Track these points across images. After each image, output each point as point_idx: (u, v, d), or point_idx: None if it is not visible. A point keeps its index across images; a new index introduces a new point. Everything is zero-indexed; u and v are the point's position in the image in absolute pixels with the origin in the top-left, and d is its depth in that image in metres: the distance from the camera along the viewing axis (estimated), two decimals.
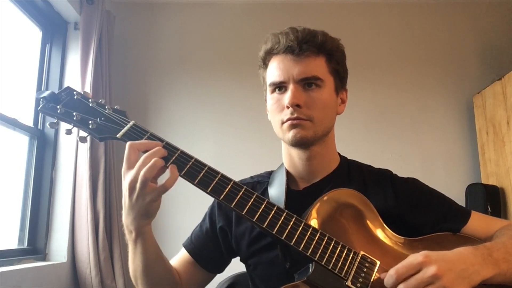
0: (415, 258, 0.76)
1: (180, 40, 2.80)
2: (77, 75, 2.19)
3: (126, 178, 0.79)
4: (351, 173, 1.05)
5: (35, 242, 2.08)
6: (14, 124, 1.95)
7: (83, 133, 0.87)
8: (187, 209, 2.39)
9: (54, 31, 2.35)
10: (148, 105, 2.70)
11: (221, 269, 1.10)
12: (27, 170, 2.10)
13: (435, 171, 2.63)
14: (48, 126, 0.88)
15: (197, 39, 2.80)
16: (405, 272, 0.75)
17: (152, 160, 0.77)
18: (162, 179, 0.80)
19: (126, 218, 0.84)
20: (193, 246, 1.07)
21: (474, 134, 2.61)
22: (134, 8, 2.81)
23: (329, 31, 1.02)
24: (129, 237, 0.89)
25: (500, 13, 2.83)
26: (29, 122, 2.12)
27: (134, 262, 0.93)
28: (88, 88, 2.15)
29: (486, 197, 2.33)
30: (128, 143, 0.81)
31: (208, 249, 1.06)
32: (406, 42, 2.82)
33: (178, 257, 1.08)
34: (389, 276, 0.76)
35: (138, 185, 0.77)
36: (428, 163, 2.65)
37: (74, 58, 2.32)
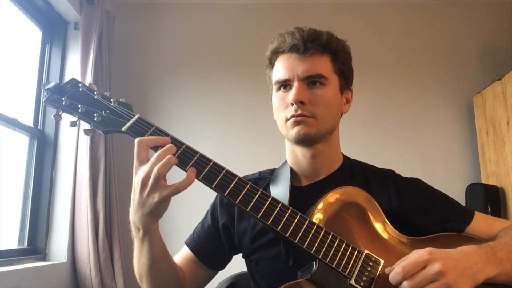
0: (420, 255, 0.76)
1: (180, 40, 2.80)
2: (77, 75, 2.19)
3: (139, 174, 0.79)
4: (354, 172, 1.05)
5: (35, 242, 2.07)
6: (14, 124, 1.94)
7: (87, 125, 0.86)
8: (188, 208, 2.38)
9: (54, 31, 2.34)
10: (148, 105, 2.70)
11: (223, 266, 1.10)
12: (27, 170, 2.10)
13: (435, 171, 2.63)
14: (52, 118, 0.87)
15: (197, 39, 2.80)
16: (412, 270, 0.75)
17: (167, 157, 0.78)
18: (174, 180, 0.79)
19: (134, 214, 0.84)
20: (195, 244, 1.07)
21: (474, 134, 2.61)
22: (134, 8, 2.81)
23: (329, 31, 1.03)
24: (136, 235, 0.88)
25: (500, 13, 2.84)
26: (29, 122, 2.12)
27: (140, 260, 0.92)
28: None
29: (486, 197, 2.33)
30: (136, 140, 0.81)
31: (210, 246, 1.06)
32: (406, 42, 2.82)
33: (180, 255, 1.08)
34: (395, 273, 0.76)
35: (150, 181, 0.77)
36: (428, 163, 2.65)
37: (74, 58, 2.32)
